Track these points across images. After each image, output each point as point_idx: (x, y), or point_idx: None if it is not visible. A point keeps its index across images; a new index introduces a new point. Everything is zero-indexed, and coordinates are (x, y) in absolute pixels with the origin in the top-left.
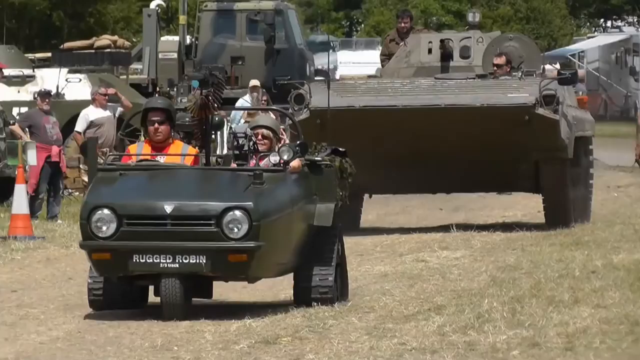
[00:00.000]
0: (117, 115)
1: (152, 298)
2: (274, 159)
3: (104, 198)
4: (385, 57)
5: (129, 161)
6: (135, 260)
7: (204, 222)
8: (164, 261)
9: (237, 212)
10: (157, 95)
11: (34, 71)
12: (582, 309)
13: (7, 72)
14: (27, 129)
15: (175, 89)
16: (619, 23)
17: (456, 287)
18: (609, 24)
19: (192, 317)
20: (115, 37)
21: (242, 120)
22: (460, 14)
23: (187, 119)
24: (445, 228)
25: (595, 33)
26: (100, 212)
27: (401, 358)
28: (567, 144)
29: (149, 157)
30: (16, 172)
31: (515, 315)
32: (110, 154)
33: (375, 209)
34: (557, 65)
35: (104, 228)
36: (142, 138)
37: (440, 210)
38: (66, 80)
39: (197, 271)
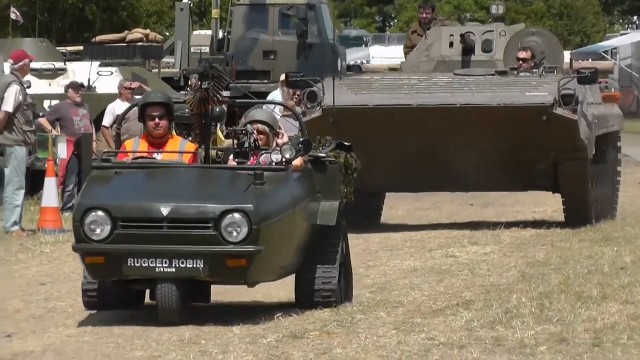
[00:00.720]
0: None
1: (149, 300)
2: (275, 157)
3: (98, 199)
4: (409, 49)
5: (125, 158)
6: (130, 264)
7: (201, 225)
8: (160, 265)
9: (236, 215)
10: (188, 89)
11: (65, 64)
12: (610, 305)
13: (38, 65)
14: (56, 122)
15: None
16: None
17: (485, 283)
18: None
19: (221, 311)
20: (148, 31)
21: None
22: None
23: (186, 110)
24: (475, 223)
25: (628, 30)
26: (94, 213)
27: (429, 353)
28: (587, 144)
29: (145, 154)
30: (46, 165)
31: (544, 310)
32: (105, 150)
33: (406, 204)
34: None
35: (98, 230)
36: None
37: (470, 206)
38: (97, 73)
39: (194, 276)
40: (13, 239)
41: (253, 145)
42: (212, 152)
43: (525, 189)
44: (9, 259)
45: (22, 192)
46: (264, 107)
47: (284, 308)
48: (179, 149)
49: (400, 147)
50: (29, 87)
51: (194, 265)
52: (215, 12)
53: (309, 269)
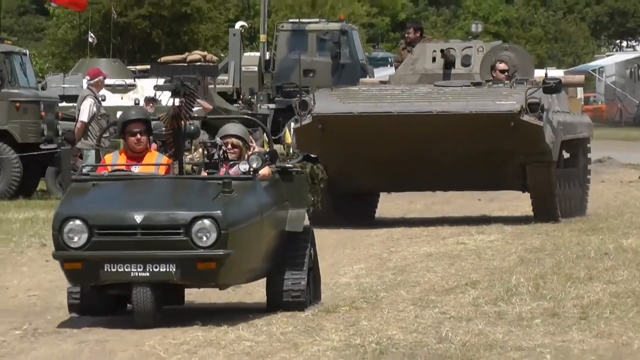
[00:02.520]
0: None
1: None
2: (243, 167)
3: (76, 209)
4: (398, 63)
5: (104, 171)
6: (107, 269)
7: (173, 232)
8: (135, 270)
9: (206, 221)
10: (240, 102)
11: (134, 81)
12: (595, 285)
13: (112, 81)
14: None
15: (255, 97)
16: (633, 43)
17: (489, 266)
18: (624, 44)
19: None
20: (205, 53)
21: None
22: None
23: (163, 128)
24: (481, 216)
25: (613, 51)
26: (71, 222)
27: (441, 325)
28: (552, 148)
29: (123, 167)
30: None
31: (539, 289)
32: (85, 164)
33: (423, 199)
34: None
35: (76, 239)
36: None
37: (478, 201)
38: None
39: (168, 279)
40: None
41: (222, 157)
42: (187, 166)
43: (497, 188)
44: None
45: None
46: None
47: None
48: (155, 162)
49: (384, 151)
50: (103, 100)
51: (167, 269)
52: (262, 37)
53: (279, 273)
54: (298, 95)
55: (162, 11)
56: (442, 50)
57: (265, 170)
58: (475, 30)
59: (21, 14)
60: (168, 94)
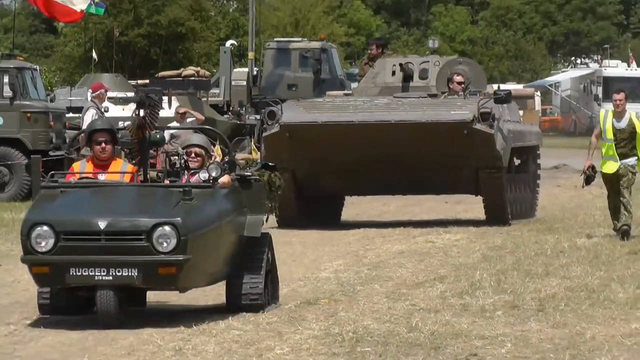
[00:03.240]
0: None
1: None
2: (203, 175)
3: (43, 215)
4: (360, 77)
5: (71, 179)
6: (72, 273)
7: (135, 237)
8: (99, 274)
9: (166, 228)
10: (230, 113)
11: (134, 94)
12: (551, 280)
13: (114, 94)
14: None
15: (244, 109)
16: (586, 60)
17: (455, 262)
18: (578, 61)
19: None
20: (199, 68)
21: None
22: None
23: (129, 137)
24: (448, 217)
25: (568, 68)
26: (39, 228)
27: (411, 316)
28: (502, 154)
29: (90, 175)
30: None
31: (500, 284)
32: (53, 172)
33: (395, 201)
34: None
35: (43, 243)
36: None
37: (445, 203)
38: None
39: (130, 283)
40: None
41: (184, 165)
42: (153, 174)
43: (452, 192)
44: None
45: None
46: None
47: (300, 281)
48: (121, 170)
49: (347, 158)
50: (106, 111)
51: (129, 274)
52: (250, 54)
53: (238, 276)
54: (266, 106)
55: (160, 31)
56: (401, 65)
57: (224, 179)
58: (432, 46)
59: (32, 32)
60: (165, 106)
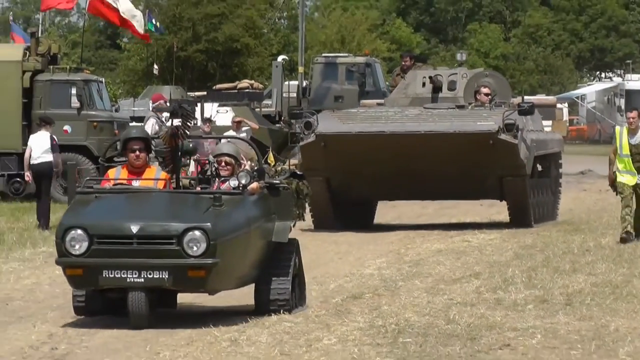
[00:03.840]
0: (249, 135)
1: None
2: (233, 183)
3: (78, 219)
4: (392, 88)
5: (106, 185)
6: (105, 275)
7: (166, 241)
8: (131, 276)
9: (197, 232)
10: (281, 123)
11: (194, 104)
12: (578, 276)
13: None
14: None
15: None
16: (610, 74)
17: (489, 260)
18: (603, 75)
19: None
20: (253, 81)
21: None
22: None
23: (164, 145)
24: (483, 219)
25: (593, 82)
26: (73, 232)
27: (449, 309)
28: (526, 163)
29: (125, 181)
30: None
31: (531, 280)
32: (89, 178)
33: (433, 205)
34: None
35: (77, 246)
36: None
37: (480, 206)
38: (217, 111)
39: (160, 285)
40: None
41: (215, 173)
42: (185, 181)
43: (478, 198)
44: None
45: None
46: (231, 141)
47: (348, 276)
48: (155, 177)
49: (379, 165)
50: (166, 121)
51: (160, 276)
52: (300, 69)
53: (266, 280)
54: (303, 117)
55: (217, 47)
56: (430, 77)
57: (253, 186)
58: (460, 59)
59: (97, 48)
60: (223, 115)
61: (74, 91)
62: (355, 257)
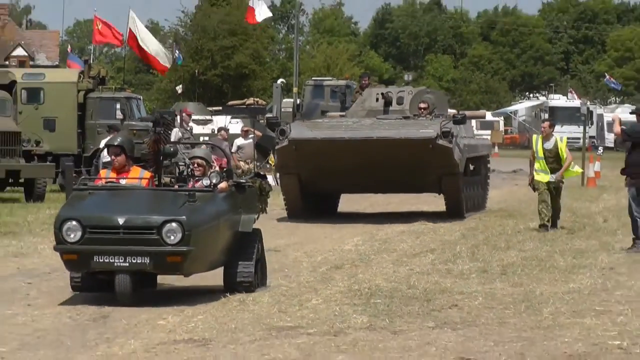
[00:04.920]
0: (254, 141)
1: None
2: (205, 182)
3: (73, 212)
4: (353, 102)
5: (99, 182)
6: (96, 260)
7: (147, 231)
8: (117, 261)
9: (174, 224)
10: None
11: (211, 117)
12: (511, 252)
13: (196, 117)
14: (211, 148)
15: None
16: (537, 95)
17: (442, 239)
18: (531, 95)
19: (296, 251)
20: (257, 99)
21: None
22: (455, 79)
23: (146, 149)
24: (439, 208)
25: (524, 100)
26: (69, 223)
27: (410, 277)
28: (459, 163)
29: (114, 180)
30: None
31: (474, 254)
32: (84, 177)
33: (398, 196)
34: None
35: (72, 235)
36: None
37: (435, 197)
38: (229, 122)
39: (143, 269)
40: None
41: (190, 173)
42: (167, 179)
43: (421, 192)
44: None
45: None
46: (203, 146)
47: (332, 250)
48: (139, 176)
49: (340, 165)
50: (191, 129)
51: (142, 261)
52: (295, 89)
53: (233, 264)
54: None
55: (230, 72)
56: (382, 93)
57: (223, 184)
58: (407, 79)
59: (136, 72)
60: (235, 125)
61: (118, 106)
62: (337, 236)
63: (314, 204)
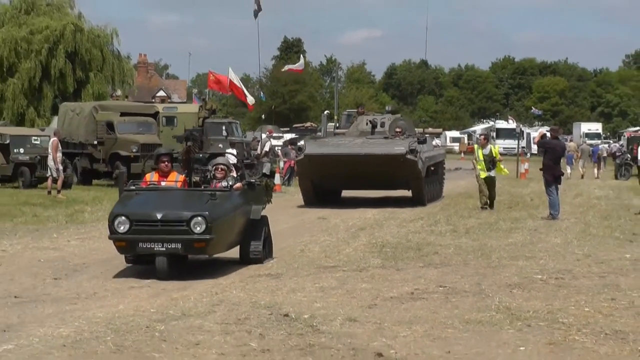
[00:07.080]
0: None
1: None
2: (224, 184)
3: (123, 209)
4: (350, 124)
5: (145, 184)
6: (140, 246)
7: (179, 224)
8: (157, 247)
9: (199, 218)
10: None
11: (282, 134)
12: (472, 219)
13: (274, 134)
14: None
15: None
16: (488, 120)
17: (428, 211)
18: (485, 120)
19: (300, 237)
20: (311, 123)
21: None
22: (437, 111)
23: (180, 158)
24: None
25: (480, 123)
26: (120, 218)
27: (408, 235)
28: (422, 170)
29: (156, 182)
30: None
31: (448, 221)
32: (132, 180)
33: (380, 192)
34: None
35: (122, 227)
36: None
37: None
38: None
39: (176, 252)
40: None
41: (213, 176)
42: (196, 178)
43: (396, 189)
44: None
45: None
46: (225, 155)
47: (357, 219)
48: (175, 179)
49: (340, 172)
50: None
51: (175, 246)
52: (335, 117)
53: (246, 243)
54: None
55: (294, 106)
56: (370, 120)
57: (237, 185)
58: (389, 109)
59: (236, 106)
60: (299, 141)
61: (223, 127)
62: (360, 211)
63: (322, 196)
